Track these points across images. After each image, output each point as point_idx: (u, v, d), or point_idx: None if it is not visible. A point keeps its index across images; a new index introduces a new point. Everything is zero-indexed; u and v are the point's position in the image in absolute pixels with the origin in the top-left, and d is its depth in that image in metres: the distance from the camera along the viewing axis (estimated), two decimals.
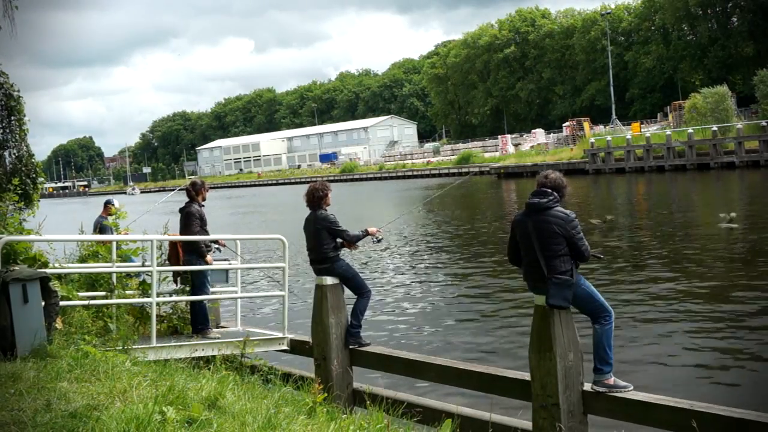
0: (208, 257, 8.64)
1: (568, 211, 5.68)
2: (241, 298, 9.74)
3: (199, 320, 8.66)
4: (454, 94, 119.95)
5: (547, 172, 5.93)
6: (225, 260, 9.75)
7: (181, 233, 8.70)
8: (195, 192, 8.84)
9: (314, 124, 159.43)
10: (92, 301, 7.86)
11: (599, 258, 6.02)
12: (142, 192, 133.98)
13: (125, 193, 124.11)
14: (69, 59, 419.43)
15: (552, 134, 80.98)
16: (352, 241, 7.78)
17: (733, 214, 20.91)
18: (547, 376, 5.65)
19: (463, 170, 79.17)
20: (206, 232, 8.78)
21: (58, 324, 6.85)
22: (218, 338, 8.48)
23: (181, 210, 8.82)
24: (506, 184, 54.11)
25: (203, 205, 8.92)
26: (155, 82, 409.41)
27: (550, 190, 5.75)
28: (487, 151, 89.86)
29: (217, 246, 9.06)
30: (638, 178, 47.39)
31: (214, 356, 8.00)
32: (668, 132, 52.55)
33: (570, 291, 5.57)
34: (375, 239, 8.02)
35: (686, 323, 11.05)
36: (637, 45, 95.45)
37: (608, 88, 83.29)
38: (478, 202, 42.00)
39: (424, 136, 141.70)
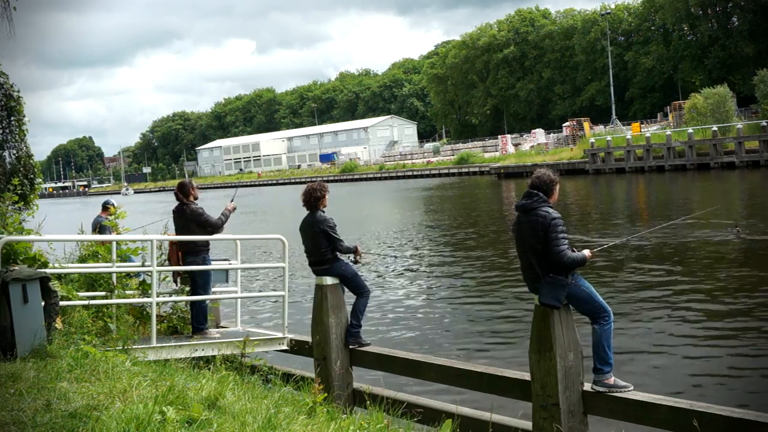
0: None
1: (551, 211, 5.68)
2: (241, 298, 9.74)
3: (199, 320, 8.65)
4: (454, 94, 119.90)
5: (535, 172, 5.95)
6: (225, 260, 9.75)
7: (182, 233, 8.65)
8: (184, 194, 8.71)
9: (314, 124, 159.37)
10: (92, 301, 7.86)
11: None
12: (136, 192, 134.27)
13: (119, 193, 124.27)
14: (73, 60, 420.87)
15: (552, 134, 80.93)
16: (341, 252, 7.77)
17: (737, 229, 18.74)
18: (547, 376, 5.65)
19: (463, 170, 79.35)
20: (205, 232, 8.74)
21: (58, 324, 6.85)
22: (218, 338, 8.48)
23: (179, 210, 8.64)
24: (506, 184, 54.10)
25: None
26: (157, 82, 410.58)
27: (536, 191, 5.78)
28: (487, 151, 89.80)
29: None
30: (638, 178, 47.39)
31: (214, 356, 8.00)
32: (668, 132, 52.52)
33: (563, 291, 5.56)
34: (354, 258, 7.91)
35: (686, 323, 11.05)
36: (637, 45, 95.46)
37: (608, 88, 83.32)
38: (478, 202, 42.01)
39: (424, 136, 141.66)
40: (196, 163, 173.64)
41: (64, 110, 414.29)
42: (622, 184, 44.64)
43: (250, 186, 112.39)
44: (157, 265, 8.18)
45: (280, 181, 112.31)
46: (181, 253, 8.57)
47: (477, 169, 76.82)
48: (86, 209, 50.01)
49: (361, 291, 7.87)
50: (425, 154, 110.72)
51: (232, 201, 8.99)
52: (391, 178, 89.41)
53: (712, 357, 9.48)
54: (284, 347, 8.68)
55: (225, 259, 9.90)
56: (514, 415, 6.28)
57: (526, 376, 5.97)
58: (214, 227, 8.55)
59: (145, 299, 8.30)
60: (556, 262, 5.56)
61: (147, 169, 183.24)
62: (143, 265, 8.52)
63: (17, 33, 8.37)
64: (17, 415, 4.13)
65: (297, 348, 8.65)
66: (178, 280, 8.98)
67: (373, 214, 38.68)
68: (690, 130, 49.21)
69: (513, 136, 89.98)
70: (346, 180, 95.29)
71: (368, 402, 6.35)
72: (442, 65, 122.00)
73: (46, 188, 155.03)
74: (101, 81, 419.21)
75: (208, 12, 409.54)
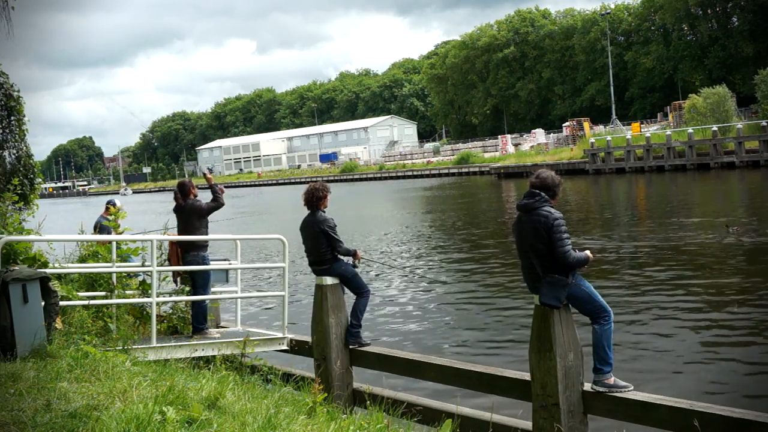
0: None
1: (553, 211, 5.68)
2: (241, 298, 9.74)
3: (199, 320, 8.65)
4: (454, 94, 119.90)
5: (537, 172, 5.96)
6: (225, 260, 9.75)
7: (184, 231, 8.65)
8: (184, 193, 8.69)
9: (314, 124, 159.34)
10: (92, 301, 7.86)
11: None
12: (135, 192, 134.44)
13: (118, 193, 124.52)
14: (73, 60, 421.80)
15: (552, 134, 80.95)
16: (339, 253, 7.76)
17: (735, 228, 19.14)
18: (547, 376, 5.65)
19: (463, 170, 79.37)
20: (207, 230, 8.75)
21: (58, 324, 6.85)
22: (218, 338, 8.48)
23: (179, 209, 8.69)
24: (506, 185, 54.09)
25: None
26: (157, 82, 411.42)
27: (538, 191, 5.78)
28: (487, 151, 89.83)
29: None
30: (638, 178, 47.38)
31: (214, 356, 8.00)
32: (668, 132, 52.51)
33: (563, 291, 5.56)
34: (353, 262, 7.89)
35: (686, 323, 11.05)
36: (637, 45, 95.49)
37: (608, 88, 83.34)
38: (478, 202, 42.01)
39: (424, 136, 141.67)
40: (196, 163, 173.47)
41: (64, 110, 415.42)
42: (622, 184, 44.63)
43: (250, 186, 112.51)
44: (157, 265, 8.19)
45: (280, 181, 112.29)
46: (180, 250, 8.59)
47: (477, 169, 76.82)
48: (86, 209, 50.01)
49: (361, 291, 7.88)
50: (425, 154, 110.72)
51: (204, 175, 9.06)
52: (391, 178, 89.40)
53: (712, 357, 9.48)
54: (284, 347, 8.69)
55: (225, 259, 9.90)
56: (514, 415, 6.28)
57: (526, 376, 5.97)
58: (215, 208, 8.67)
59: (145, 299, 8.30)
60: (560, 263, 5.56)
61: (147, 169, 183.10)
62: (143, 265, 8.52)
63: (17, 33, 8.38)
64: (17, 415, 4.13)
65: (297, 348, 8.65)
66: (178, 279, 9.00)
67: (373, 214, 38.67)
68: (690, 130, 49.21)
69: (513, 136, 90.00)
70: (346, 180, 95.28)
71: (368, 402, 6.35)
72: (442, 65, 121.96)
73: (46, 188, 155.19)
74: (102, 81, 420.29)
75: (209, 12, 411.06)
